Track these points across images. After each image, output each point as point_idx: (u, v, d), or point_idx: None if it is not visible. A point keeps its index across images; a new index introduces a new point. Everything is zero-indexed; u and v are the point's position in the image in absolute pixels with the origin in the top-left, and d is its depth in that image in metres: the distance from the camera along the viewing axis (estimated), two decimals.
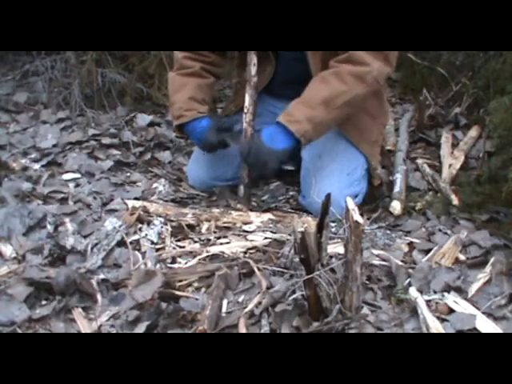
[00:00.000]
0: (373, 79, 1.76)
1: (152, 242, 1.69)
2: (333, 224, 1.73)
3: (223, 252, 1.62)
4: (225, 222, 1.80)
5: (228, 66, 2.18)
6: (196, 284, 1.51)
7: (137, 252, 1.64)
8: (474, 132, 2.31)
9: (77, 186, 2.03)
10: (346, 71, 1.75)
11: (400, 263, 1.55)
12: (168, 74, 2.08)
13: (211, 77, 2.03)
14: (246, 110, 1.92)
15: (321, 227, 1.21)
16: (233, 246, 1.65)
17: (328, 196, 1.22)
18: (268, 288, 1.42)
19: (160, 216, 1.80)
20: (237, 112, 2.06)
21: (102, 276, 1.53)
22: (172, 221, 1.79)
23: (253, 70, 1.93)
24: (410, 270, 1.52)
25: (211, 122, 1.92)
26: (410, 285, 1.46)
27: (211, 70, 2.02)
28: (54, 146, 2.28)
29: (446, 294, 1.44)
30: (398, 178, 1.98)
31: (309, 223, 1.24)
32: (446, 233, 1.71)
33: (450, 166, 2.12)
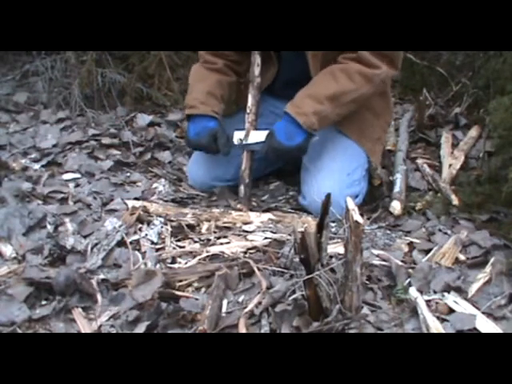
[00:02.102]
0: (380, 81, 1.81)
1: (152, 242, 1.69)
2: (333, 224, 1.73)
3: (223, 252, 1.62)
4: (225, 222, 1.80)
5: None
6: (196, 284, 1.51)
7: (137, 252, 1.64)
8: (474, 132, 2.31)
9: (77, 186, 2.03)
10: (355, 70, 1.78)
11: (400, 263, 1.55)
12: (192, 66, 2.10)
13: (233, 75, 2.04)
14: (248, 111, 1.93)
15: (321, 227, 1.21)
16: (233, 246, 1.65)
17: (328, 196, 1.22)
18: (268, 288, 1.42)
19: (160, 216, 1.80)
20: (238, 111, 2.06)
21: (101, 276, 1.53)
22: (172, 221, 1.79)
23: (256, 70, 1.93)
24: (410, 270, 1.52)
25: (217, 127, 1.92)
26: (410, 285, 1.46)
27: (234, 67, 2.04)
28: (54, 146, 2.28)
29: (446, 293, 1.44)
30: (398, 178, 1.99)
31: (309, 223, 1.24)
32: (446, 233, 1.71)
33: (450, 165, 2.12)
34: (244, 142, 1.91)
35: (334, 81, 1.79)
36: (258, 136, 1.90)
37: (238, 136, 1.92)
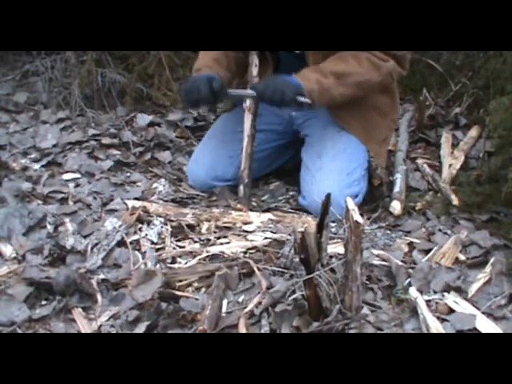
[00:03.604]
0: (387, 72, 1.83)
1: (152, 242, 1.69)
2: (333, 224, 1.73)
3: (223, 252, 1.62)
4: (225, 222, 1.80)
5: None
6: (196, 284, 1.51)
7: (137, 252, 1.64)
8: (474, 132, 2.31)
9: (77, 186, 2.03)
10: (365, 56, 1.80)
11: (400, 263, 1.55)
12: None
13: (239, 54, 2.03)
14: (247, 110, 1.93)
15: (321, 227, 1.21)
16: (233, 246, 1.65)
17: (328, 196, 1.22)
18: (268, 288, 1.42)
19: (160, 216, 1.80)
20: (237, 107, 2.05)
21: (101, 276, 1.53)
22: (172, 221, 1.79)
23: (254, 70, 1.93)
24: (410, 270, 1.52)
25: (213, 75, 1.87)
26: (410, 285, 1.46)
27: (236, 56, 2.03)
28: (54, 146, 2.27)
29: (446, 293, 1.44)
30: (398, 178, 1.98)
31: (309, 223, 1.24)
32: (446, 233, 1.71)
33: (450, 165, 2.12)
34: (238, 93, 1.93)
35: (341, 61, 1.81)
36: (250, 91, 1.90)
37: (232, 91, 1.93)
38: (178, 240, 1.72)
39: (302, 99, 1.77)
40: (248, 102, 1.93)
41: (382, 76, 1.83)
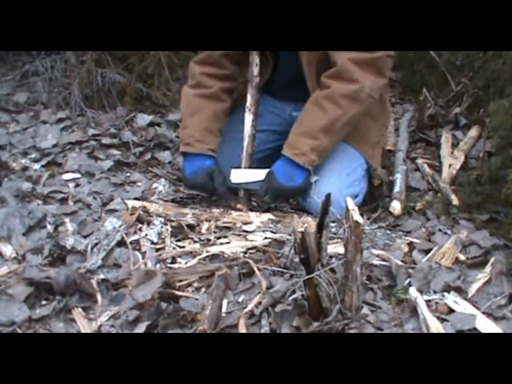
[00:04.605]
0: (366, 96, 1.78)
1: (152, 242, 1.69)
2: (333, 224, 1.73)
3: (223, 252, 1.62)
4: (225, 222, 1.80)
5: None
6: (196, 284, 1.51)
7: (137, 252, 1.64)
8: (473, 132, 2.31)
9: (77, 186, 2.03)
10: (339, 94, 1.76)
11: (400, 263, 1.55)
12: (182, 89, 2.03)
13: (229, 99, 2.01)
14: (247, 110, 1.93)
15: (321, 227, 1.21)
16: (233, 246, 1.65)
17: (328, 196, 1.22)
18: (268, 288, 1.42)
19: (160, 216, 1.80)
20: (238, 110, 2.05)
21: (101, 276, 1.53)
22: (172, 221, 1.79)
23: (255, 70, 1.93)
24: (410, 270, 1.52)
25: (213, 166, 1.90)
26: (410, 285, 1.46)
27: (229, 87, 2.01)
28: (54, 146, 2.27)
29: (446, 293, 1.44)
30: (398, 178, 1.98)
31: (309, 223, 1.24)
32: (446, 233, 1.71)
33: (450, 165, 2.12)
34: (241, 181, 1.90)
35: (321, 112, 1.78)
36: (255, 175, 1.89)
37: (235, 174, 1.91)
38: (178, 240, 1.72)
39: (312, 180, 1.83)
40: (248, 102, 1.93)
41: (362, 104, 1.79)
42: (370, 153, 1.97)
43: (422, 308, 1.36)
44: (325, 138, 1.79)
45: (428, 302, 1.40)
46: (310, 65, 1.84)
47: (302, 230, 1.20)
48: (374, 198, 2.02)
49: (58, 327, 1.37)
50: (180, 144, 1.98)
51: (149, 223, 1.76)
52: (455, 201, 1.85)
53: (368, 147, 1.97)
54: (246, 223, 1.79)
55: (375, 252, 1.61)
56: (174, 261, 1.62)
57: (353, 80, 1.75)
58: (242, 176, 1.91)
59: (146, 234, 1.71)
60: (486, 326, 1.33)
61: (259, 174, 1.88)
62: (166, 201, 1.99)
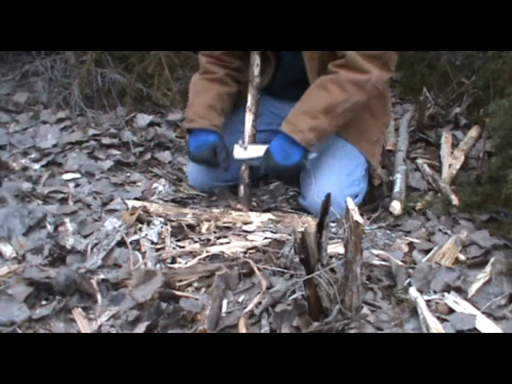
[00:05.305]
0: (372, 86, 1.79)
1: (152, 242, 1.69)
2: (333, 224, 1.73)
3: (223, 252, 1.62)
4: (225, 222, 1.80)
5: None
6: (196, 284, 1.51)
7: (137, 252, 1.64)
8: (474, 132, 2.31)
9: (77, 186, 2.03)
10: (346, 79, 1.76)
11: (400, 263, 1.55)
12: (192, 76, 2.07)
13: (234, 84, 2.03)
14: (248, 110, 1.93)
15: (321, 227, 1.21)
16: (233, 246, 1.65)
17: (328, 196, 1.22)
18: (268, 288, 1.42)
19: (160, 216, 1.80)
20: (238, 110, 2.05)
21: (102, 276, 1.53)
22: (172, 221, 1.79)
23: (256, 70, 1.93)
24: (410, 270, 1.52)
25: (217, 141, 1.92)
26: (410, 285, 1.46)
27: (235, 76, 2.03)
28: (54, 146, 2.28)
29: (446, 293, 1.44)
30: (398, 178, 1.99)
31: (309, 223, 1.24)
32: (445, 233, 1.71)
33: (450, 166, 2.12)
34: (243, 157, 1.92)
35: (326, 93, 1.78)
36: (256, 150, 1.90)
37: (237, 150, 1.92)
38: (178, 240, 1.72)
39: (307, 162, 1.83)
40: (249, 102, 1.93)
41: (367, 93, 1.80)
42: (369, 150, 1.98)
43: (422, 308, 1.36)
44: (325, 119, 1.78)
45: (428, 302, 1.40)
46: (312, 61, 1.84)
47: (302, 229, 1.20)
48: (373, 198, 2.02)
49: (58, 327, 1.37)
50: (185, 123, 2.02)
51: (149, 223, 1.76)
52: (455, 201, 1.85)
53: (367, 145, 1.97)
54: (246, 223, 1.79)
55: (375, 252, 1.61)
56: (174, 261, 1.62)
57: (362, 70, 1.76)
58: (244, 152, 1.92)
59: (146, 234, 1.71)
60: (486, 325, 1.33)
61: (260, 150, 1.89)
62: (166, 201, 1.99)
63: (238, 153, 1.92)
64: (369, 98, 1.84)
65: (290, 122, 1.82)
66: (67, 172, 2.12)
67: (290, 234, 1.65)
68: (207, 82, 1.99)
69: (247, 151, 1.91)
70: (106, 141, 2.33)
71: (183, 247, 1.68)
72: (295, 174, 1.93)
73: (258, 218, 1.82)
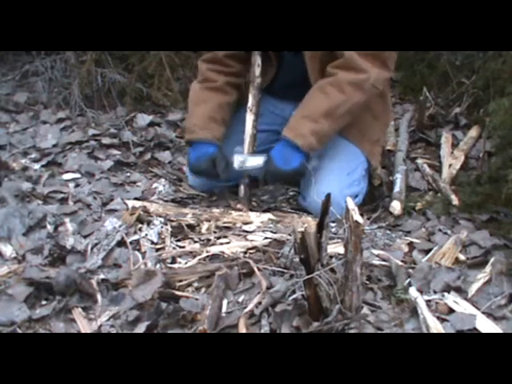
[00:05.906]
0: (371, 86, 1.80)
1: (152, 242, 1.69)
2: (333, 224, 1.73)
3: (223, 252, 1.62)
4: (225, 222, 1.80)
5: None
6: (196, 284, 1.51)
7: (137, 252, 1.64)
8: (474, 132, 2.31)
9: (77, 186, 2.03)
10: (345, 80, 1.77)
11: (400, 263, 1.55)
12: (191, 84, 2.07)
13: (234, 92, 2.02)
14: (249, 111, 1.93)
15: (321, 227, 1.21)
16: (233, 246, 1.65)
17: (328, 196, 1.22)
18: (268, 288, 1.42)
19: (160, 216, 1.80)
20: (239, 110, 2.05)
21: (102, 276, 1.53)
22: (172, 221, 1.79)
23: (257, 70, 1.94)
24: (410, 270, 1.52)
25: (216, 152, 1.91)
26: (410, 285, 1.46)
27: (235, 82, 2.02)
28: (54, 146, 2.28)
29: (446, 293, 1.44)
30: (398, 178, 1.99)
31: (309, 223, 1.24)
32: (446, 233, 1.71)
33: (450, 166, 2.12)
34: (243, 167, 1.91)
35: (325, 96, 1.79)
36: (256, 160, 1.90)
37: (237, 159, 1.91)
38: (178, 240, 1.72)
39: (308, 169, 1.83)
40: (250, 103, 1.93)
41: (366, 94, 1.80)
42: (369, 150, 1.98)
43: (422, 308, 1.36)
44: (326, 122, 1.79)
45: (428, 302, 1.40)
46: (314, 60, 1.85)
47: (302, 229, 1.20)
48: (373, 198, 2.02)
49: (58, 327, 1.37)
50: (186, 133, 2.01)
51: (149, 223, 1.76)
52: (455, 201, 1.85)
53: (368, 144, 1.97)
54: (246, 223, 1.79)
55: (375, 252, 1.61)
56: (174, 261, 1.62)
57: (360, 70, 1.77)
58: (244, 162, 1.92)
59: (146, 234, 1.71)
60: (486, 325, 1.33)
61: (260, 160, 1.89)
62: (166, 201, 1.99)
63: (238, 163, 1.91)
64: (369, 99, 1.84)
65: (291, 128, 1.82)
66: (67, 172, 2.12)
67: (289, 234, 1.65)
68: (207, 91, 1.98)
69: (247, 161, 1.91)
70: (105, 141, 2.33)
71: (183, 247, 1.68)
72: (295, 180, 1.93)
73: (257, 218, 1.82)
